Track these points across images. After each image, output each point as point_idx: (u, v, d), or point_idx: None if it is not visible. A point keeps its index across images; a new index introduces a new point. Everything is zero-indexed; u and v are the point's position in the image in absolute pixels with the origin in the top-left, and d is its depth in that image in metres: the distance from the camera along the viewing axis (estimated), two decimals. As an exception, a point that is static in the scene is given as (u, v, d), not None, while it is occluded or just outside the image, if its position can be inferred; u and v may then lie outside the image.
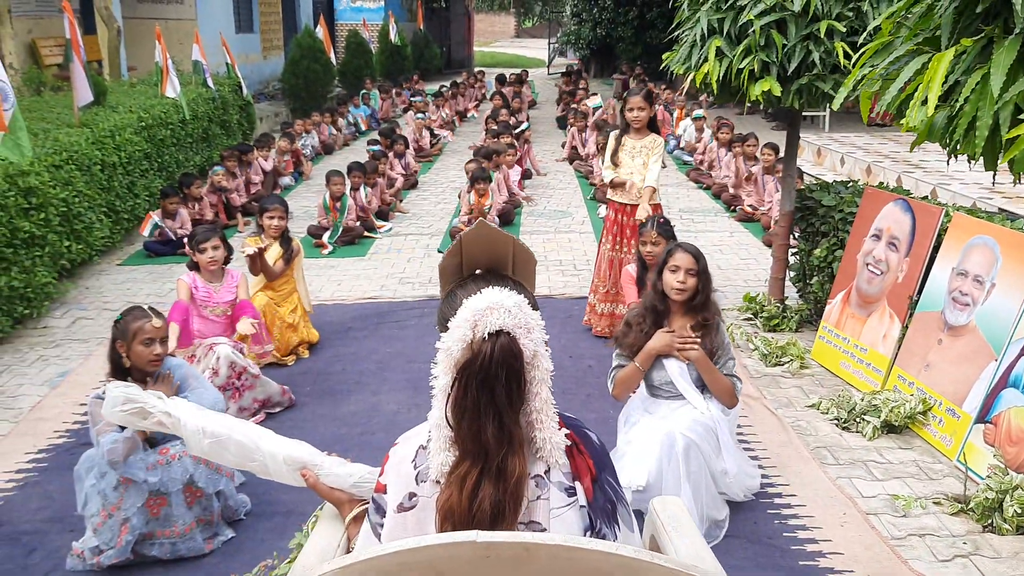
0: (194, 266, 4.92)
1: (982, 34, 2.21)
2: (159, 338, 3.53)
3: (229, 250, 4.98)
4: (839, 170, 10.85)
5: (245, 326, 4.66)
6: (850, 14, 4.99)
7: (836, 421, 4.63)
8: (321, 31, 16.33)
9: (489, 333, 1.46)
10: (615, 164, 5.77)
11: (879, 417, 4.47)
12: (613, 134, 5.89)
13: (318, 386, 5.18)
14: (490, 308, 1.46)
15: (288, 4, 20.36)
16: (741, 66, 5.07)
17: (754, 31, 5.00)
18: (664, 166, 5.79)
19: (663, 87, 17.65)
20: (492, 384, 1.46)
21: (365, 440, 4.50)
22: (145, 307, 3.59)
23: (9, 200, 5.94)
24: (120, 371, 3.54)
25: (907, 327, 4.76)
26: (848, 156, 10.69)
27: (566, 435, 1.59)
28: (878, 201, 5.18)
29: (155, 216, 8.10)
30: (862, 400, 4.68)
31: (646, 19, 23.20)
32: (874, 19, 4.96)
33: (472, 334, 1.47)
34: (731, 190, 9.82)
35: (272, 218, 5.54)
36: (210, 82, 11.13)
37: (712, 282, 3.69)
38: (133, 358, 3.50)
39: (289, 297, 5.59)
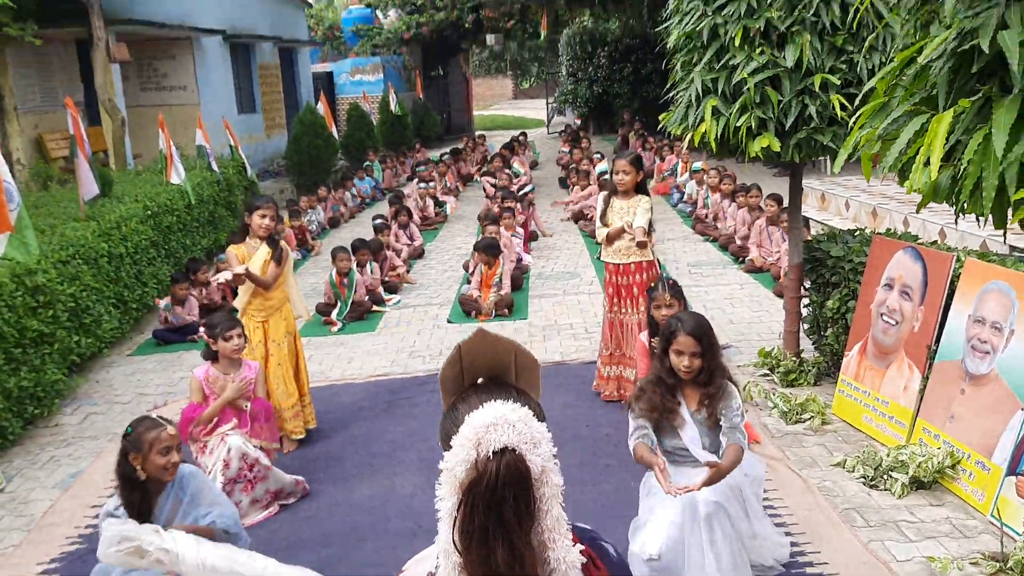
0: (210, 355, 4.87)
1: (979, 94, 2.18)
2: (175, 446, 3.48)
3: (246, 339, 4.95)
4: (844, 214, 10.81)
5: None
6: (843, 67, 5.01)
7: (863, 479, 4.50)
8: (322, 107, 16.57)
9: (494, 451, 1.40)
10: (605, 225, 5.78)
11: (907, 473, 4.35)
12: (602, 195, 5.92)
13: (331, 472, 5.09)
14: (494, 424, 1.40)
15: (289, 82, 20.73)
16: (738, 124, 5.07)
17: (748, 89, 5.00)
18: (651, 225, 5.76)
19: (662, 140, 17.77)
20: (500, 505, 1.40)
21: (381, 527, 4.40)
22: (154, 416, 3.55)
23: (17, 300, 5.94)
24: (131, 485, 3.48)
25: (927, 378, 4.66)
26: (853, 200, 10.66)
27: (581, 551, 1.51)
28: (887, 250, 5.12)
29: (162, 303, 8.10)
30: (888, 456, 4.56)
31: (641, 74, 23.51)
32: (867, 70, 4.98)
33: (476, 453, 1.41)
34: (738, 241, 9.78)
35: (264, 216, 5.32)
36: (214, 165, 11.25)
37: (719, 353, 3.62)
38: (149, 469, 3.44)
39: (281, 309, 5.44)
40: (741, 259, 9.50)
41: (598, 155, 15.55)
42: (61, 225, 7.50)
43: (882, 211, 9.87)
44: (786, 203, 9.26)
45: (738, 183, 10.74)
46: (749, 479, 3.54)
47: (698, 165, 12.75)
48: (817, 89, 4.94)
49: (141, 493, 3.50)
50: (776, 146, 5.04)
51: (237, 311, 5.51)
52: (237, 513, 3.65)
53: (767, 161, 5.34)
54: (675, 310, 4.68)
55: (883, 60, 4.99)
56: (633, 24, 23.34)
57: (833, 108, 4.96)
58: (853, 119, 2.86)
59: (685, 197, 12.90)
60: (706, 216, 11.37)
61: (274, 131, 19.16)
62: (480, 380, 1.55)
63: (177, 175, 9.85)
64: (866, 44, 4.76)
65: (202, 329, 4.88)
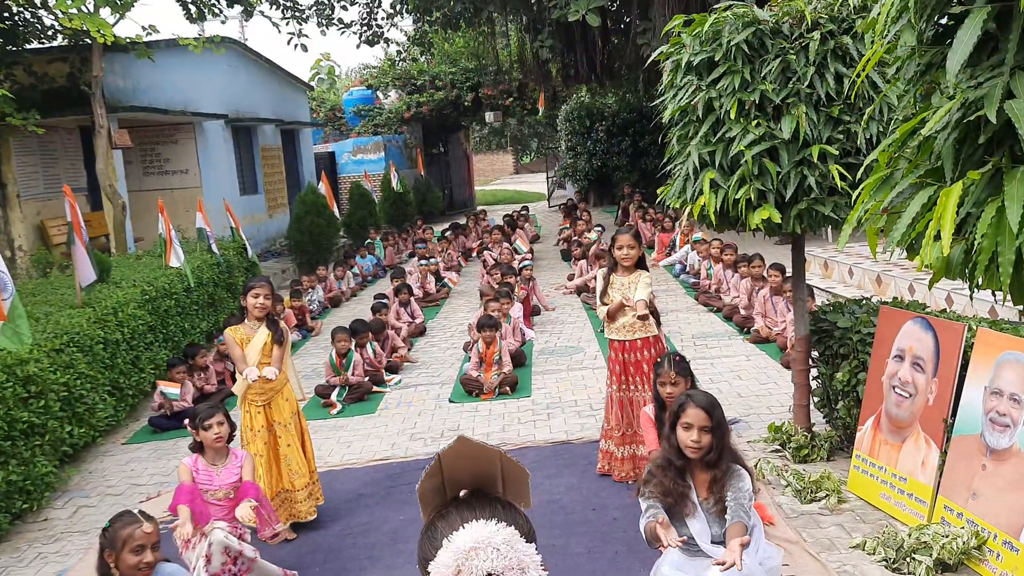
0: (197, 447, 4.71)
1: (989, 165, 2.09)
2: (150, 544, 3.32)
3: (232, 426, 4.79)
4: (848, 281, 10.71)
5: (243, 511, 4.40)
6: (840, 136, 4.96)
7: (885, 562, 4.28)
8: (323, 186, 16.68)
9: (477, 580, 1.25)
10: (604, 303, 5.68)
11: (931, 555, 4.13)
12: (600, 273, 5.82)
13: (328, 565, 4.87)
14: (475, 548, 1.26)
15: (291, 163, 20.96)
16: (737, 196, 5.00)
17: (746, 161, 4.95)
18: (652, 294, 5.65)
19: (660, 214, 17.82)
20: (484, 640, 1.24)
21: (379, 626, 4.18)
22: (135, 511, 3.40)
23: (7, 391, 5.81)
24: None
25: (946, 453, 4.48)
26: (856, 267, 10.58)
27: None
28: (896, 320, 4.99)
29: (168, 389, 7.95)
30: (909, 536, 4.34)
31: (639, 147, 23.73)
32: (865, 140, 4.93)
33: (457, 582, 1.26)
34: (742, 311, 9.66)
35: (257, 296, 5.19)
36: (214, 247, 11.24)
37: (729, 433, 3.48)
38: (123, 568, 3.29)
39: (282, 390, 5.27)
40: (746, 329, 9.36)
41: (599, 227, 15.57)
42: (57, 313, 7.42)
43: (886, 278, 9.77)
44: (789, 272, 9.19)
45: (739, 253, 10.66)
46: (764, 569, 3.35)
47: (698, 236, 12.71)
48: (816, 160, 4.89)
49: None
50: (777, 218, 4.96)
51: (236, 397, 5.37)
52: None
53: (768, 232, 5.26)
54: (680, 388, 4.55)
55: (881, 129, 4.95)
56: (630, 98, 23.66)
57: (833, 178, 4.90)
58: (856, 192, 2.76)
59: (687, 268, 12.83)
60: (709, 287, 11.27)
61: (276, 211, 19.27)
62: (463, 492, 1.42)
63: (176, 258, 9.82)
64: (865, 116, 4.72)
65: (186, 421, 4.73)
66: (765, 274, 9.28)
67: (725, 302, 10.36)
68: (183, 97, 15.42)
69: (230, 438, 4.77)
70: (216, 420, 4.62)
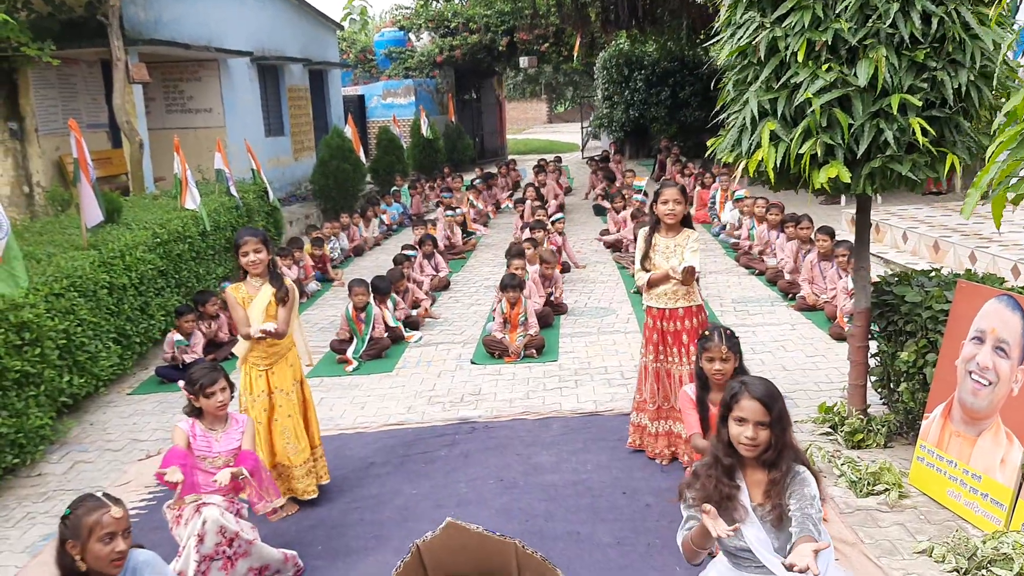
0: (193, 411, 4.27)
1: None
2: (121, 531, 2.89)
3: (232, 388, 4.34)
4: (902, 247, 10.04)
5: (222, 475, 3.96)
6: (924, 85, 4.32)
7: (956, 573, 3.78)
8: (349, 130, 16.13)
9: None
10: (646, 269, 5.09)
11: (1012, 570, 3.62)
12: (642, 233, 5.21)
13: (331, 543, 4.45)
14: None
15: (319, 105, 20.38)
16: (801, 151, 4.40)
17: (814, 111, 4.34)
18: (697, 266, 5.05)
19: (699, 167, 17.10)
20: None
21: (382, 620, 3.75)
22: (99, 494, 2.96)
23: (-3, 338, 5.43)
24: None
25: (1031, 451, 3.93)
26: (911, 231, 9.90)
27: None
28: (976, 297, 4.40)
29: (175, 338, 7.56)
30: (984, 544, 3.83)
31: (679, 98, 22.85)
32: (952, 90, 4.30)
33: None
34: (787, 276, 9.05)
35: (247, 254, 4.68)
36: (233, 190, 10.78)
37: (790, 428, 2.95)
38: (90, 560, 2.87)
39: (287, 355, 4.81)
40: (791, 296, 8.77)
41: (629, 171, 14.93)
42: (59, 255, 7.00)
43: (945, 244, 9.10)
44: (838, 236, 8.56)
45: (787, 213, 10.00)
46: None
47: (741, 193, 12.05)
48: (894, 111, 4.26)
49: None
50: (846, 176, 4.36)
51: (236, 358, 4.93)
52: None
53: (834, 193, 4.66)
54: (731, 365, 4.03)
55: (972, 79, 4.31)
56: (671, 46, 22.70)
57: (913, 133, 4.28)
58: (990, 150, 2.19)
59: (727, 228, 12.18)
60: (751, 248, 10.64)
61: (303, 154, 18.76)
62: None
63: (192, 200, 9.38)
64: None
65: (182, 384, 4.27)
66: (813, 237, 8.65)
67: (768, 265, 9.74)
68: (207, 32, 14.85)
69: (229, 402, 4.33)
70: (219, 386, 4.16)
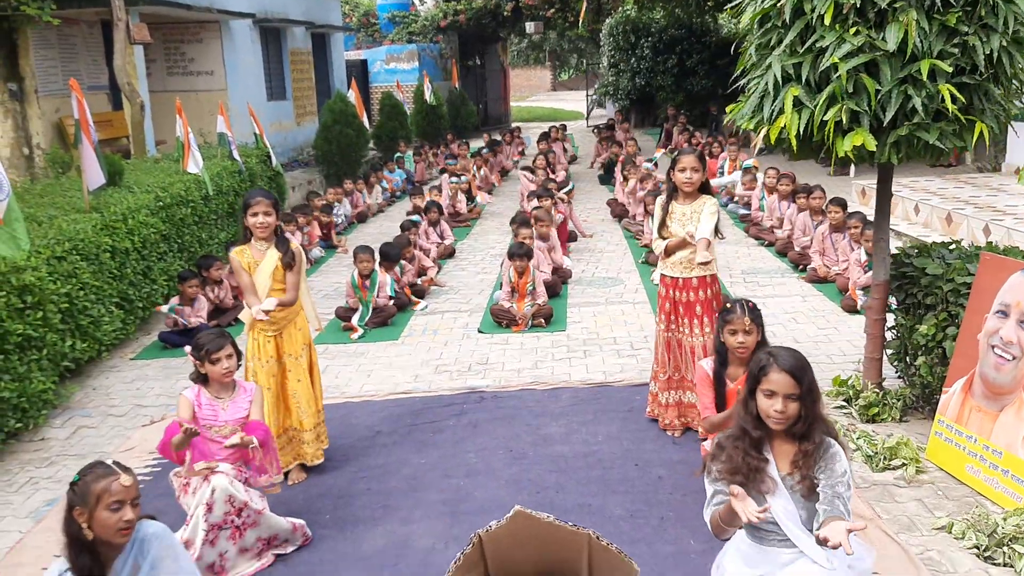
0: (199, 378, 4.19)
1: None
2: (130, 500, 2.82)
3: (240, 356, 4.24)
4: (913, 219, 9.91)
5: (233, 439, 3.88)
6: (955, 51, 4.18)
7: (976, 550, 3.71)
8: (353, 95, 15.91)
9: None
10: (663, 237, 5.00)
11: (1035, 548, 3.55)
12: (659, 201, 5.11)
13: (338, 513, 4.39)
14: None
15: (321, 69, 20.12)
16: (825, 117, 4.27)
17: (840, 76, 4.21)
18: (720, 231, 4.96)
19: (707, 136, 16.91)
20: None
21: (393, 591, 3.69)
22: (109, 462, 2.89)
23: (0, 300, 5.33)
24: (79, 546, 2.82)
25: (1056, 428, 3.85)
26: (923, 203, 9.76)
27: None
28: (1001, 269, 4.30)
29: (165, 306, 7.48)
30: (1005, 521, 3.76)
31: (686, 66, 22.57)
32: (984, 56, 4.16)
33: None
34: (797, 248, 8.94)
35: (256, 215, 4.56)
36: (236, 154, 10.63)
37: (820, 401, 2.85)
38: (97, 528, 2.79)
39: (296, 319, 4.71)
40: (801, 267, 8.66)
41: (631, 140, 14.77)
42: (61, 217, 6.88)
43: (958, 217, 8.98)
44: (852, 208, 8.43)
45: (798, 183, 9.86)
46: (855, 573, 2.77)
47: (749, 163, 11.89)
48: (924, 78, 4.12)
49: (91, 556, 2.84)
50: (871, 144, 4.24)
51: (242, 324, 4.82)
52: None
53: (858, 162, 4.53)
54: (753, 338, 3.93)
55: (1005, 44, 4.17)
56: (679, 13, 22.37)
57: (942, 100, 4.15)
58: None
59: (736, 198, 12.04)
60: (761, 219, 10.50)
61: (305, 119, 18.56)
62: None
63: (195, 164, 9.24)
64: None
65: (188, 350, 4.17)
66: (825, 208, 8.52)
67: (778, 236, 9.62)
68: (209, -8, 14.61)
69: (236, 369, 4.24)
70: (225, 352, 4.05)
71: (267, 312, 4.50)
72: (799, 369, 2.80)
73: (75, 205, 7.40)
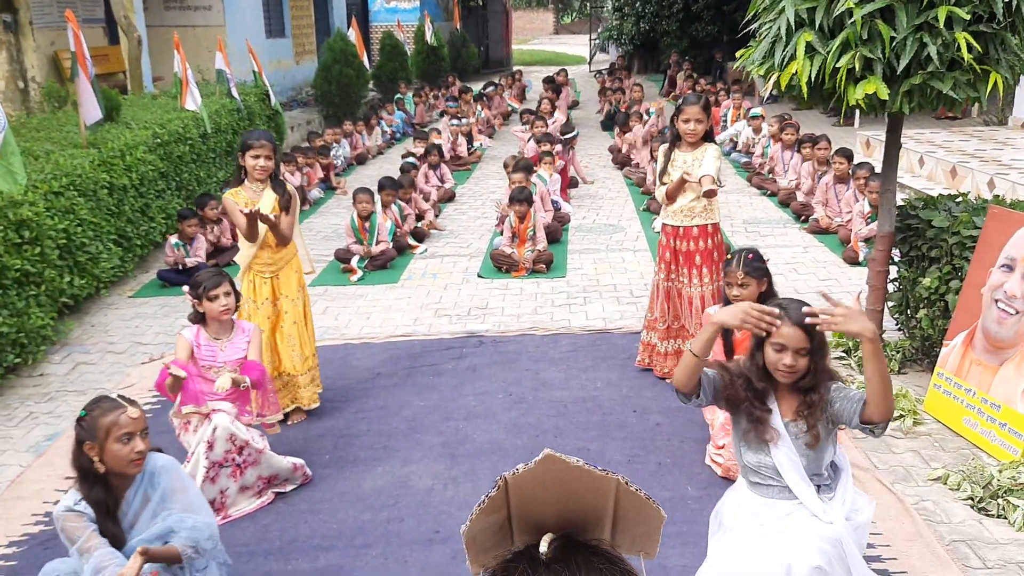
0: (197, 318, 4.15)
1: None
2: (139, 431, 2.82)
3: (238, 296, 4.22)
4: (918, 171, 9.84)
5: (222, 380, 3.87)
6: (973, -3, 4.09)
7: (971, 501, 3.75)
8: (353, 34, 15.63)
9: None
10: (664, 183, 4.97)
11: (1029, 500, 3.58)
12: (662, 149, 5.07)
13: (338, 453, 4.41)
14: None
15: (321, 6, 19.74)
16: (838, 64, 4.19)
17: (855, 22, 4.12)
18: (721, 182, 4.93)
19: (710, 83, 16.68)
20: None
21: (392, 530, 3.73)
22: (115, 395, 2.88)
23: (-4, 235, 5.28)
24: (91, 479, 2.83)
25: (1056, 382, 3.86)
26: (928, 156, 9.68)
27: None
28: (1008, 224, 4.27)
29: (172, 240, 7.44)
30: (1001, 473, 3.80)
31: (692, 11, 22.16)
32: (1003, 3, 4.06)
33: None
34: (800, 198, 8.88)
35: (257, 158, 4.49)
36: (235, 92, 10.48)
37: (828, 354, 2.83)
38: (109, 460, 2.82)
39: (292, 261, 4.71)
40: (804, 218, 8.61)
41: (637, 86, 14.56)
42: (58, 152, 6.80)
43: (963, 170, 8.90)
44: (857, 157, 8.34)
45: (803, 133, 9.75)
46: (852, 525, 2.78)
47: (756, 111, 11.75)
48: (940, 25, 4.04)
49: (104, 488, 2.87)
50: (884, 93, 4.16)
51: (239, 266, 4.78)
52: (214, 525, 2.99)
53: (869, 111, 4.46)
54: (751, 291, 3.90)
55: (1025, -10, 4.08)
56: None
57: (958, 48, 4.07)
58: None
59: (739, 146, 11.92)
60: (763, 168, 10.41)
61: (304, 58, 18.25)
62: (544, 543, 0.79)
63: (192, 101, 9.12)
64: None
65: (186, 289, 4.14)
66: (830, 159, 8.44)
67: (781, 186, 9.55)
68: (206, -76, 14.24)
69: (235, 308, 4.22)
70: (223, 290, 4.03)
71: (264, 218, 4.40)
72: (810, 325, 2.75)
73: (72, 140, 7.30)
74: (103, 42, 13.83)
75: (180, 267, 7.30)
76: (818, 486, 2.82)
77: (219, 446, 3.77)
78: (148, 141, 7.93)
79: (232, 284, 4.12)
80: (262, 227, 4.52)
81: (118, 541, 2.87)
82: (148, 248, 7.74)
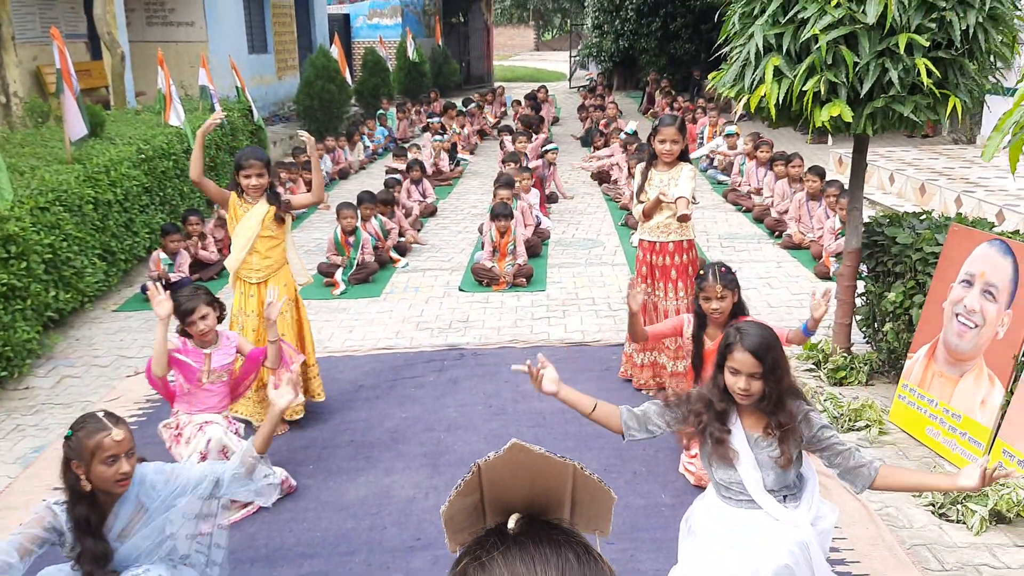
0: (185, 332, 4.17)
1: None
2: (124, 452, 2.87)
3: (221, 308, 4.30)
4: (888, 188, 10.08)
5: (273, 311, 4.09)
6: (932, 25, 4.29)
7: (932, 507, 3.91)
8: (336, 50, 15.78)
9: None
10: (640, 202, 5.14)
11: (987, 505, 3.75)
12: (639, 168, 5.24)
13: (322, 464, 4.51)
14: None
15: (303, 23, 19.88)
16: (805, 88, 4.38)
17: (820, 47, 4.31)
18: (695, 199, 5.11)
19: (691, 102, 16.95)
20: None
21: (374, 537, 3.83)
22: (100, 415, 2.92)
23: (-17, 250, 5.36)
24: (77, 496, 2.89)
25: (1012, 393, 4.03)
26: (898, 173, 9.93)
27: None
28: (968, 240, 4.46)
29: (162, 257, 7.51)
30: (960, 480, 3.95)
31: (670, 30, 22.49)
32: (960, 31, 4.26)
33: None
34: (774, 214, 9.08)
35: (249, 177, 4.61)
36: (217, 107, 10.56)
37: (787, 376, 2.90)
38: (95, 481, 2.85)
39: (280, 270, 4.79)
40: (777, 233, 8.81)
41: (612, 103, 14.76)
42: (43, 168, 6.88)
43: (931, 187, 9.15)
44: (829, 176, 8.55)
45: (776, 151, 9.98)
46: (816, 531, 2.91)
47: (732, 129, 11.99)
48: (901, 51, 4.23)
49: (90, 504, 2.91)
50: (848, 115, 4.36)
51: (223, 278, 4.89)
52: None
53: (834, 132, 4.65)
54: (728, 303, 4.05)
55: (981, 20, 4.28)
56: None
57: (918, 74, 4.27)
58: (1019, 93, 2.19)
59: (715, 163, 12.15)
60: (739, 185, 10.63)
61: (286, 73, 18.37)
62: (512, 521, 0.93)
63: (176, 117, 9.21)
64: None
65: (149, 285, 4.23)
66: (803, 176, 8.65)
67: (756, 202, 9.76)
68: (190, -59, 14.37)
69: (220, 319, 4.29)
70: (199, 315, 4.03)
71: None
72: (762, 349, 2.82)
73: (57, 156, 7.38)
74: (85, 57, 13.90)
75: (164, 282, 7.37)
76: (784, 496, 2.95)
77: (212, 457, 3.86)
78: (133, 157, 8.02)
79: (211, 300, 4.13)
80: (249, 232, 4.65)
81: (101, 556, 2.89)
82: (132, 262, 7.81)
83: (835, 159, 11.60)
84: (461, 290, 7.44)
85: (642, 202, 5.10)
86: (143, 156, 8.23)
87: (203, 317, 4.04)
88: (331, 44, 16.48)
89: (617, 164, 11.33)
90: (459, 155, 13.70)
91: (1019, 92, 2.27)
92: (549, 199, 10.38)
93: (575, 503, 0.94)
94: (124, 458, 2.85)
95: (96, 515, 2.92)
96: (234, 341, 4.27)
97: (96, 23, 11.50)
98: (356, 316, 6.89)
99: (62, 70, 7.24)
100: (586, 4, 25.32)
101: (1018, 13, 4.50)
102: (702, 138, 13.51)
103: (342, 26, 23.33)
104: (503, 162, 9.96)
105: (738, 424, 2.92)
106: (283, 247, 4.83)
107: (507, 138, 12.65)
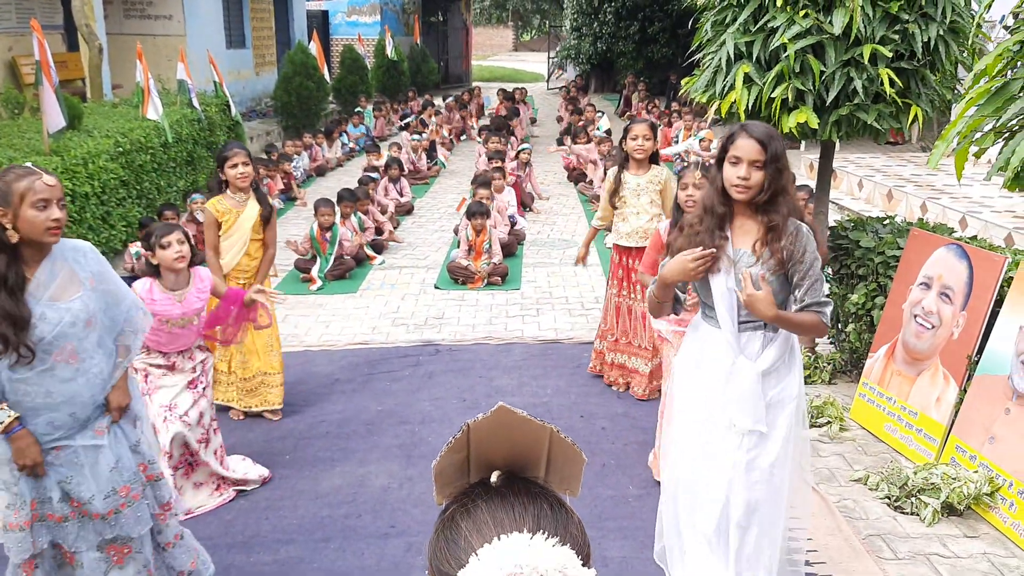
0: (151, 270, 3.90)
1: None
2: (56, 200, 2.69)
3: (194, 251, 3.96)
4: (857, 194, 10.31)
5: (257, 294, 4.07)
6: (895, 37, 4.46)
7: (888, 500, 4.06)
8: (314, 46, 15.80)
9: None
10: (614, 206, 5.23)
11: (939, 498, 3.91)
12: (612, 172, 5.32)
13: (298, 454, 4.60)
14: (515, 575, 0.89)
15: (282, 18, 19.86)
16: (773, 95, 4.53)
17: (788, 56, 4.46)
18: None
19: (664, 104, 17.14)
20: None
21: (350, 525, 3.92)
22: (28, 164, 2.75)
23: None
24: (2, 247, 2.67)
25: (965, 391, 4.20)
26: (867, 179, 10.15)
27: None
28: (926, 245, 4.63)
29: (133, 248, 7.54)
30: (915, 474, 4.11)
31: (648, 33, 22.72)
32: (922, 43, 4.44)
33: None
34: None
35: (235, 166, 4.61)
36: (195, 102, 10.59)
37: (788, 171, 2.82)
38: (23, 227, 2.64)
39: (258, 274, 4.84)
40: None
41: (600, 114, 14.94)
42: (21, 159, 6.88)
43: (898, 194, 9.38)
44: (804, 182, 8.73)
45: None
46: (776, 394, 2.94)
47: (703, 133, 12.17)
48: (865, 61, 4.40)
49: (9, 258, 2.67)
50: (814, 122, 4.51)
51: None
52: (139, 302, 3.08)
53: (801, 138, 4.81)
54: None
55: (942, 33, 4.46)
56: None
57: (881, 83, 4.43)
58: (963, 102, 2.33)
59: (688, 165, 12.32)
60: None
61: (264, 69, 18.35)
62: (494, 476, 1.05)
63: (154, 110, 9.22)
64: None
65: (138, 244, 4.17)
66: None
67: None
68: (169, -65, 14.33)
69: (192, 263, 3.98)
70: (175, 237, 3.81)
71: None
72: (766, 136, 2.75)
73: (34, 147, 7.38)
74: (62, 48, 13.81)
75: (139, 275, 7.40)
76: (755, 328, 2.89)
77: (176, 454, 3.95)
78: (110, 150, 8.04)
79: (187, 236, 3.93)
80: (240, 238, 4.72)
81: (19, 319, 2.66)
82: (108, 256, 7.82)
83: (806, 164, 11.81)
84: (437, 287, 7.54)
85: (615, 207, 5.20)
86: (121, 149, 8.25)
87: (179, 241, 3.81)
88: (309, 40, 16.49)
89: (592, 162, 11.48)
90: (439, 157, 13.75)
91: (960, 106, 2.41)
92: (524, 205, 10.41)
93: (550, 463, 1.05)
94: (56, 205, 2.67)
95: (17, 272, 2.69)
96: (207, 283, 4.01)
97: (74, 15, 11.45)
98: (333, 312, 6.97)
99: (41, 62, 7.24)
100: (565, 6, 25.48)
101: (983, 28, 4.68)
102: (677, 141, 13.68)
103: (321, 23, 23.33)
104: (490, 159, 9.99)
105: (730, 232, 2.85)
106: (262, 245, 4.91)
107: (483, 140, 12.75)
